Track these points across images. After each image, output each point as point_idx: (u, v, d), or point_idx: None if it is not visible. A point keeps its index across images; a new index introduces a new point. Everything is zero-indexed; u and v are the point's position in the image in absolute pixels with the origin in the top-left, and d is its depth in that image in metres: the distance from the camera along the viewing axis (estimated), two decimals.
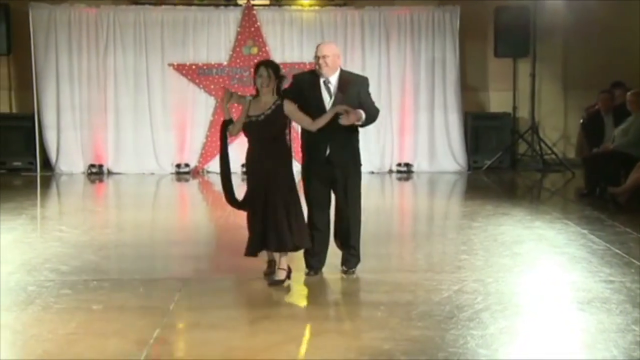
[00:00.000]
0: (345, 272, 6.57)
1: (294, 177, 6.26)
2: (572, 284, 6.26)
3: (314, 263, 6.55)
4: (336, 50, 6.46)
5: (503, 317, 5.39)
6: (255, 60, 13.24)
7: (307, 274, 6.53)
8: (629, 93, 10.70)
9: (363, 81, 6.58)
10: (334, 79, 6.40)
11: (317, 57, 6.38)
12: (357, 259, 6.64)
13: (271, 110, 6.19)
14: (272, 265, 6.41)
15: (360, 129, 6.49)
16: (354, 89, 6.42)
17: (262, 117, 6.18)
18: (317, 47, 6.47)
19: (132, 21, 13.34)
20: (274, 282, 6.25)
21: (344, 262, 6.62)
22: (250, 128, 6.22)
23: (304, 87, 6.42)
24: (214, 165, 13.36)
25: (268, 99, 6.22)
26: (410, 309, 5.57)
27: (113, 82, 13.33)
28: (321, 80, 6.39)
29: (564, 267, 6.90)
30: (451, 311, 5.49)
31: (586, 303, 5.70)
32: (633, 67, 13.26)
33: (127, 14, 13.37)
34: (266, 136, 6.20)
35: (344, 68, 6.62)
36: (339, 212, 6.55)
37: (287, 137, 6.30)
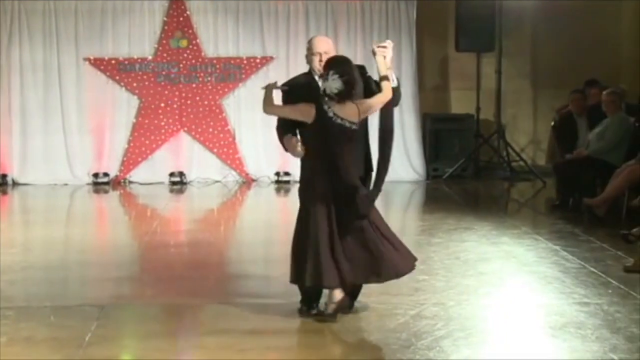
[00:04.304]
0: None
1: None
2: (543, 307, 6.32)
3: None
4: (333, 46, 6.36)
5: (466, 345, 5.42)
6: (185, 54, 13.33)
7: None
8: (604, 92, 10.66)
9: None
10: None
11: (314, 54, 6.16)
12: None
13: None
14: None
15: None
16: None
17: None
18: (312, 42, 6.26)
19: (41, 9, 13.20)
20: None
21: None
22: None
23: (300, 93, 6.10)
24: (137, 174, 13.28)
25: None
26: (362, 337, 5.57)
27: (18, 80, 13.16)
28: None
29: (534, 288, 6.96)
30: (408, 339, 5.50)
31: (558, 328, 5.76)
32: (609, 63, 13.50)
33: (35, 1, 13.21)
34: None
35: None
36: None
37: None
